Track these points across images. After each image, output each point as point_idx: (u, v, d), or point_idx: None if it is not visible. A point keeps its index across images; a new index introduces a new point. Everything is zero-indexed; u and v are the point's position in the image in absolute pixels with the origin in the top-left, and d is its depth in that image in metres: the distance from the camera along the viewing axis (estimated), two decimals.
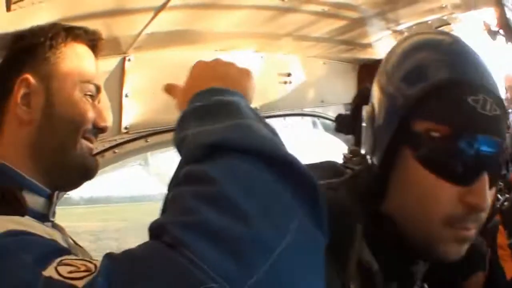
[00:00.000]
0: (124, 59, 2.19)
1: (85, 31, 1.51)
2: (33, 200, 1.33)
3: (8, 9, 1.48)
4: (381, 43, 3.10)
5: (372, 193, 1.15)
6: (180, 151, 0.94)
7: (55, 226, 1.43)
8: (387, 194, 1.14)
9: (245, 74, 1.09)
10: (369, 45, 3.09)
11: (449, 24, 2.99)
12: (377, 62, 3.28)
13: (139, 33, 2.02)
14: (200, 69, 1.11)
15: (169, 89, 1.23)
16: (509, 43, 3.25)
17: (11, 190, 1.28)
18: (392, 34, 2.98)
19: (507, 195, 2.66)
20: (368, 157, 1.17)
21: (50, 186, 1.40)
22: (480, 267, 2.40)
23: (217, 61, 1.11)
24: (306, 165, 1.26)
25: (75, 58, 1.46)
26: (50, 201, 1.41)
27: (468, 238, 1.07)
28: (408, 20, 2.84)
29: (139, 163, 3.05)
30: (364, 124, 1.19)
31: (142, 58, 2.24)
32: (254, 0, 2.11)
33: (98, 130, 1.47)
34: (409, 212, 1.10)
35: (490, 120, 1.03)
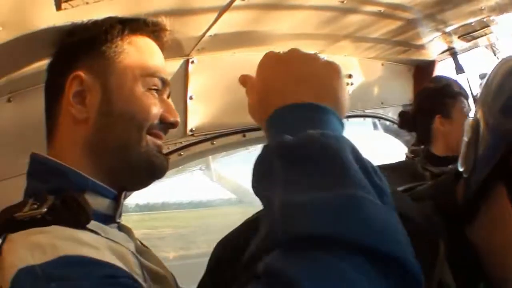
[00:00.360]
0: (187, 61, 2.19)
1: (145, 22, 1.45)
2: (97, 202, 1.28)
3: (58, 8, 1.44)
4: (433, 45, 3.07)
5: (461, 213, 1.02)
6: (258, 195, 0.85)
7: (121, 228, 1.38)
8: (475, 221, 1.01)
9: (335, 72, 0.95)
10: (422, 47, 3.06)
11: (488, 26, 2.93)
12: (431, 64, 3.28)
13: (203, 35, 2.01)
14: (274, 64, 0.97)
15: (244, 81, 1.10)
16: None
17: (73, 197, 1.21)
18: (441, 35, 2.94)
19: None
20: (464, 174, 1.03)
21: (115, 186, 1.34)
22: None
23: (293, 53, 0.97)
24: (383, 165, 1.25)
25: (134, 52, 1.39)
26: (116, 202, 1.35)
27: None
28: (454, 22, 2.80)
29: (200, 168, 3.08)
30: (465, 139, 1.03)
31: (205, 60, 2.23)
32: (315, 0, 2.09)
33: (167, 125, 1.41)
34: (492, 250, 0.98)
35: None
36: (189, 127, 2.25)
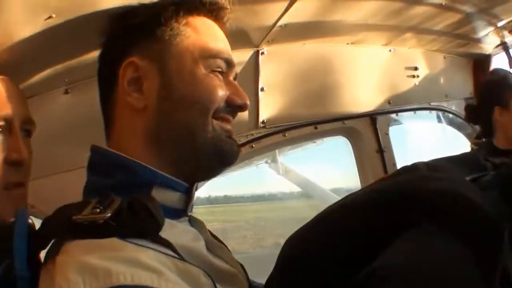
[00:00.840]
0: (257, 52, 2.18)
1: (201, 1, 1.34)
2: (167, 197, 1.21)
3: None
4: (488, 39, 3.04)
5: None
6: None
7: (192, 221, 1.31)
8: None
9: None
10: (478, 40, 3.03)
11: None
12: (487, 58, 3.26)
13: (273, 25, 2.00)
14: None
15: None
16: None
17: (142, 202, 1.10)
18: (494, 30, 2.92)
19: None
20: None
21: (185, 178, 1.26)
22: None
23: None
24: (448, 157, 1.24)
25: (192, 33, 1.30)
26: (187, 195, 1.27)
27: None
28: (505, 17, 2.75)
29: (266, 161, 3.10)
30: None
31: (275, 52, 2.23)
32: None
33: (235, 108, 1.32)
34: None
35: None
36: (260, 119, 2.24)
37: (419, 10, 2.34)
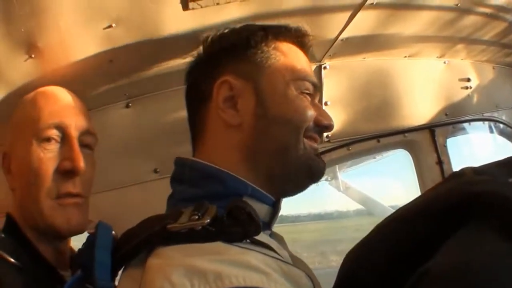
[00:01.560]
0: (320, 67, 2.21)
1: (287, 28, 1.43)
2: (256, 209, 1.16)
3: (185, 7, 1.45)
4: None
5: None
6: None
7: (272, 235, 1.34)
8: None
9: None
10: None
11: None
12: None
13: (335, 39, 2.03)
14: None
15: None
16: None
17: (240, 206, 1.12)
18: None
19: None
20: None
21: (273, 192, 1.31)
22: None
23: None
24: (494, 162, 1.25)
25: (281, 56, 1.37)
26: (274, 209, 1.33)
27: None
28: None
29: (326, 178, 3.10)
30: None
31: (337, 66, 2.26)
32: (433, 1, 2.11)
33: (322, 128, 1.37)
34: None
35: None
36: (325, 133, 2.26)
37: (468, 20, 2.36)
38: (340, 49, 2.13)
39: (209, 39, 1.43)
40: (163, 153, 1.53)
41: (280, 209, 1.36)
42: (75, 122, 1.52)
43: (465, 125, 2.87)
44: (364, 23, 1.99)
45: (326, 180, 3.60)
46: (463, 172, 1.17)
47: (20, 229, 1.51)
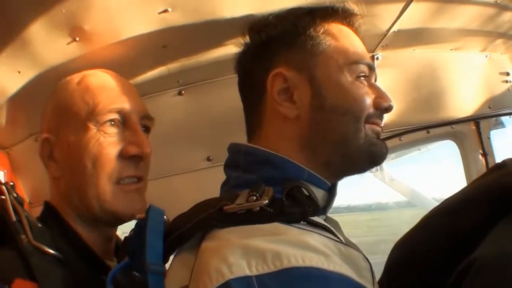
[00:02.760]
0: (372, 57, 2.25)
1: (333, 8, 1.38)
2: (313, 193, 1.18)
3: None
4: None
5: None
6: None
7: (327, 220, 1.31)
8: None
9: None
10: None
11: None
12: None
13: (387, 31, 2.08)
14: None
15: None
16: None
17: (298, 186, 1.12)
18: None
19: None
20: None
21: (330, 177, 1.30)
22: None
23: None
24: None
25: (332, 40, 1.33)
26: (331, 194, 1.32)
27: None
28: None
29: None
30: None
31: (389, 57, 2.30)
32: None
33: (382, 111, 1.34)
34: None
35: None
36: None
37: (507, 16, 2.41)
38: (392, 40, 2.17)
39: (255, 27, 1.41)
40: (216, 142, 1.56)
41: (336, 194, 1.35)
42: (136, 107, 1.51)
43: (507, 118, 2.93)
44: (414, 16, 2.03)
45: (371, 172, 3.60)
46: (505, 163, 1.25)
47: (63, 218, 1.48)
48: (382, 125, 2.15)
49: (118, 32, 1.53)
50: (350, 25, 1.42)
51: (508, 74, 2.87)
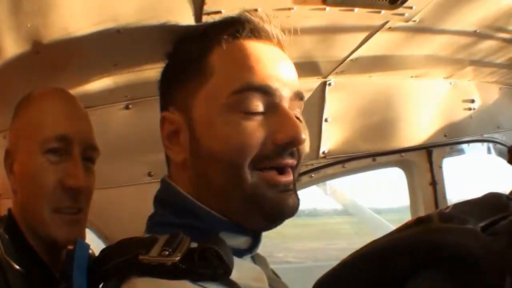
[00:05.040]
0: (325, 83, 2.19)
1: (233, 23, 1.19)
2: (233, 240, 1.16)
3: (198, 20, 1.39)
4: None
5: None
6: None
7: (255, 258, 1.27)
8: None
9: None
10: None
11: None
12: None
13: (344, 59, 2.00)
14: None
15: None
16: None
17: (213, 249, 1.04)
18: None
19: None
20: None
21: (248, 226, 1.19)
22: None
23: None
24: (468, 201, 1.28)
25: (218, 68, 1.16)
26: (255, 239, 1.22)
27: None
28: None
29: None
30: None
31: (342, 83, 2.24)
32: (452, 27, 2.05)
33: (286, 146, 1.12)
34: None
35: None
36: (321, 149, 2.28)
37: (484, 45, 2.33)
38: (348, 67, 2.10)
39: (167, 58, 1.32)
40: (158, 158, 1.53)
41: (261, 238, 1.23)
42: (80, 135, 1.50)
43: (464, 146, 2.91)
44: (377, 45, 1.95)
45: None
46: (431, 217, 1.21)
47: (21, 231, 1.49)
48: (325, 152, 2.05)
49: (74, 48, 1.51)
50: (257, 36, 1.19)
51: (473, 101, 2.83)
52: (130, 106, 1.99)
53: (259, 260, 1.28)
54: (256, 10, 1.24)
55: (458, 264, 1.01)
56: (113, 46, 1.51)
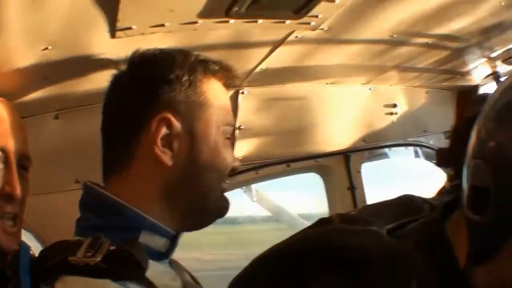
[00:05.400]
0: (237, 92, 2.23)
1: (222, 66, 1.41)
2: (153, 240, 1.28)
3: (113, 35, 1.47)
4: (477, 70, 3.04)
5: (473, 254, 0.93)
6: None
7: (172, 263, 1.39)
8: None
9: None
10: (467, 73, 3.04)
11: None
12: (473, 88, 3.26)
13: (253, 69, 2.04)
14: None
15: None
16: None
17: (129, 252, 1.17)
18: (486, 61, 2.93)
19: None
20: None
21: (177, 227, 1.34)
22: None
23: None
24: (380, 203, 1.29)
25: (216, 100, 1.36)
26: (172, 242, 1.34)
27: None
28: (500, 48, 2.74)
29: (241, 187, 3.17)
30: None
31: (255, 92, 2.28)
32: (365, 34, 2.09)
33: (231, 170, 1.40)
34: None
35: None
36: (236, 156, 2.29)
37: (404, 50, 2.37)
38: (259, 77, 2.14)
39: (137, 62, 1.37)
40: (85, 165, 1.57)
41: (178, 242, 1.37)
42: (17, 147, 1.50)
43: (386, 150, 2.95)
44: (285, 55, 2.00)
45: (241, 188, 3.65)
46: (331, 219, 1.22)
47: None
48: (240, 159, 2.10)
49: (8, 63, 1.57)
50: (227, 86, 1.45)
51: (395, 105, 2.87)
52: (59, 116, 2.03)
53: (175, 266, 1.40)
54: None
55: (359, 266, 1.00)
56: (43, 60, 1.56)
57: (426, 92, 3.09)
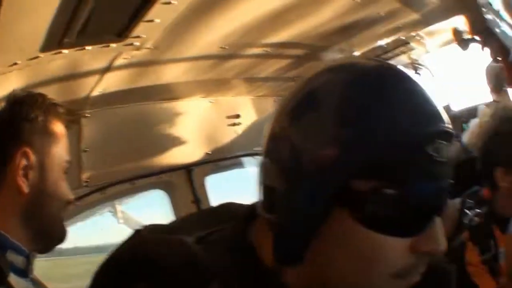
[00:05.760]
0: (80, 116, 2.28)
1: (66, 110, 1.54)
2: (16, 258, 1.41)
3: None
4: None
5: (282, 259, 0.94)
6: None
7: (34, 281, 1.51)
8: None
9: None
10: None
11: (408, 43, 2.96)
12: None
13: (90, 92, 2.15)
14: None
15: None
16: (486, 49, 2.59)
17: None
18: None
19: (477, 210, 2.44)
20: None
21: (31, 249, 1.45)
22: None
23: None
24: (204, 210, 1.36)
25: (61, 139, 1.51)
26: (28, 260, 1.46)
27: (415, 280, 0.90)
28: (361, 48, 2.82)
29: (109, 210, 3.11)
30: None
31: (98, 115, 2.36)
32: (194, 51, 2.21)
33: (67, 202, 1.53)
34: (342, 278, 0.88)
35: (444, 166, 0.84)
36: (83, 178, 2.37)
37: (239, 61, 2.47)
38: (98, 101, 2.25)
39: (11, 101, 1.49)
40: None
41: (33, 261, 1.47)
42: None
43: (231, 161, 2.98)
44: (119, 78, 2.13)
45: (109, 211, 3.58)
46: (140, 230, 1.19)
47: None
48: (87, 181, 2.16)
49: None
50: (65, 127, 1.54)
51: (238, 116, 2.91)
52: None
53: (36, 283, 1.51)
54: None
55: (160, 273, 1.00)
56: None
57: (274, 101, 3.09)
